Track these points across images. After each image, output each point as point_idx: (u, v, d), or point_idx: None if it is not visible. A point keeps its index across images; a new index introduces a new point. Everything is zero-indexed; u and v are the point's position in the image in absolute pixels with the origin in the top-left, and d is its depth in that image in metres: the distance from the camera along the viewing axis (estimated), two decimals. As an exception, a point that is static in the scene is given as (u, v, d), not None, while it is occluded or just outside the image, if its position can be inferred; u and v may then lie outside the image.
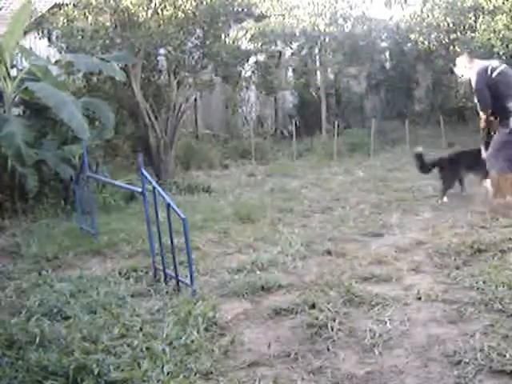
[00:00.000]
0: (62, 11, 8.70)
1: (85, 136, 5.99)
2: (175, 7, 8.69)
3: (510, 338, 2.92)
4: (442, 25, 12.36)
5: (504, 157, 5.81)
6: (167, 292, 3.85)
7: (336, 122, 12.24)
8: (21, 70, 6.85)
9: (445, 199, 6.50)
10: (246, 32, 12.04)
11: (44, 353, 2.83)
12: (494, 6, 11.10)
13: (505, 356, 2.73)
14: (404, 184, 7.86)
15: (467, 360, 2.74)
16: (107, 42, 8.63)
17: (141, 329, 3.18)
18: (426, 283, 3.89)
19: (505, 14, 10.74)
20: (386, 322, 3.24)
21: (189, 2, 8.72)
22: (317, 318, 3.28)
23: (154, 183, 3.98)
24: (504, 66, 6.05)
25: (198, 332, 3.12)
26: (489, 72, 5.87)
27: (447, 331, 3.10)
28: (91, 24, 8.55)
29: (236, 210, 6.30)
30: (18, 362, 2.76)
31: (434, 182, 7.85)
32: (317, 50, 13.89)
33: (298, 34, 13.07)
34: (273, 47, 12.94)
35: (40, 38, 9.01)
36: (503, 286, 3.62)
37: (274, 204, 6.77)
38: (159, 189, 3.95)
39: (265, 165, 10.89)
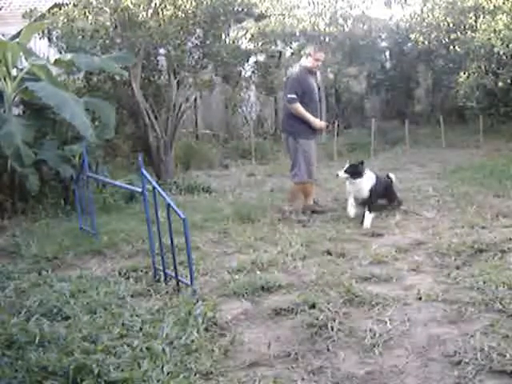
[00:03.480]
0: (61, 11, 8.69)
1: (88, 134, 5.98)
2: (175, 7, 8.68)
3: (510, 338, 2.92)
4: (442, 24, 12.35)
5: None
6: (167, 292, 3.85)
7: (336, 122, 12.23)
8: (21, 69, 6.84)
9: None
10: (246, 32, 12.03)
11: (44, 353, 2.83)
12: (494, 6, 11.09)
13: (505, 356, 2.73)
14: (404, 184, 7.84)
15: (467, 360, 2.74)
16: (107, 41, 8.62)
17: (141, 329, 3.18)
18: (427, 283, 3.90)
19: (505, 14, 10.73)
20: (386, 322, 3.24)
21: (189, 2, 8.70)
22: (317, 318, 3.28)
23: (153, 183, 3.97)
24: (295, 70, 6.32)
25: (197, 332, 3.13)
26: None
27: (447, 331, 3.10)
28: (91, 24, 8.54)
29: (236, 210, 6.30)
30: (18, 362, 2.76)
31: (435, 182, 7.87)
32: (317, 50, 13.87)
33: (298, 33, 13.06)
34: (273, 47, 12.93)
35: (40, 38, 9.00)
36: (503, 286, 3.62)
37: (274, 204, 6.76)
38: (159, 189, 3.94)
39: (265, 165, 10.88)
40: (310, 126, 6.08)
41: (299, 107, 6.01)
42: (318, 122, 6.13)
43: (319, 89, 6.57)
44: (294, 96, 6.00)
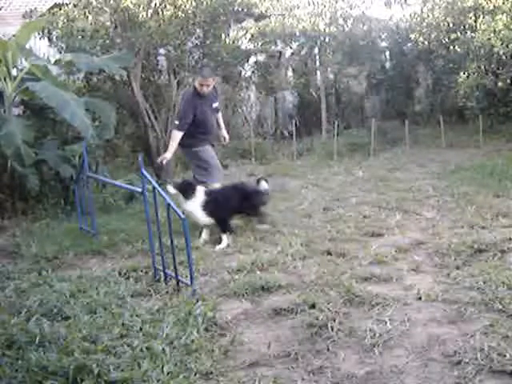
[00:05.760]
0: (62, 11, 8.70)
1: (88, 134, 5.98)
2: (175, 7, 8.69)
3: (510, 338, 2.92)
4: (442, 24, 12.33)
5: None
6: (167, 292, 3.86)
7: (336, 122, 12.23)
8: (21, 69, 6.84)
9: None
10: (246, 32, 12.04)
11: (44, 353, 2.83)
12: (494, 6, 11.08)
13: (505, 356, 2.73)
14: (404, 184, 7.85)
15: (467, 360, 2.74)
16: (107, 41, 8.63)
17: (141, 329, 3.18)
18: (426, 283, 3.90)
19: (505, 14, 10.72)
20: (386, 322, 3.24)
21: (189, 2, 8.71)
22: (317, 318, 3.28)
23: (154, 183, 3.98)
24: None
25: (197, 332, 3.13)
26: None
27: (447, 331, 3.10)
28: (91, 24, 8.55)
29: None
30: (18, 362, 2.76)
31: (435, 182, 7.86)
32: (317, 50, 13.88)
33: (298, 33, 13.05)
34: (273, 47, 12.94)
35: (40, 38, 9.01)
36: (503, 286, 3.62)
37: (274, 204, 6.76)
38: (159, 189, 3.95)
39: (265, 165, 10.87)
40: (200, 134, 6.00)
41: (174, 137, 5.97)
42: (165, 156, 6.06)
43: (216, 108, 6.36)
44: (176, 122, 6.01)
